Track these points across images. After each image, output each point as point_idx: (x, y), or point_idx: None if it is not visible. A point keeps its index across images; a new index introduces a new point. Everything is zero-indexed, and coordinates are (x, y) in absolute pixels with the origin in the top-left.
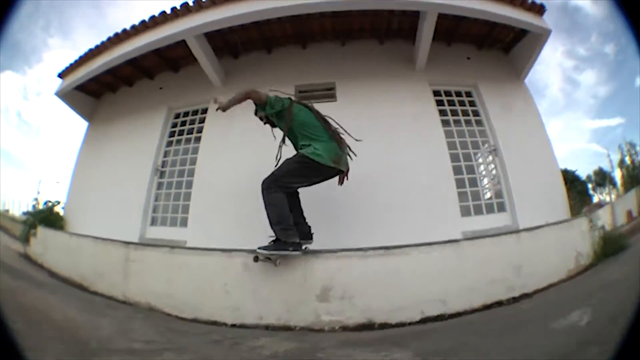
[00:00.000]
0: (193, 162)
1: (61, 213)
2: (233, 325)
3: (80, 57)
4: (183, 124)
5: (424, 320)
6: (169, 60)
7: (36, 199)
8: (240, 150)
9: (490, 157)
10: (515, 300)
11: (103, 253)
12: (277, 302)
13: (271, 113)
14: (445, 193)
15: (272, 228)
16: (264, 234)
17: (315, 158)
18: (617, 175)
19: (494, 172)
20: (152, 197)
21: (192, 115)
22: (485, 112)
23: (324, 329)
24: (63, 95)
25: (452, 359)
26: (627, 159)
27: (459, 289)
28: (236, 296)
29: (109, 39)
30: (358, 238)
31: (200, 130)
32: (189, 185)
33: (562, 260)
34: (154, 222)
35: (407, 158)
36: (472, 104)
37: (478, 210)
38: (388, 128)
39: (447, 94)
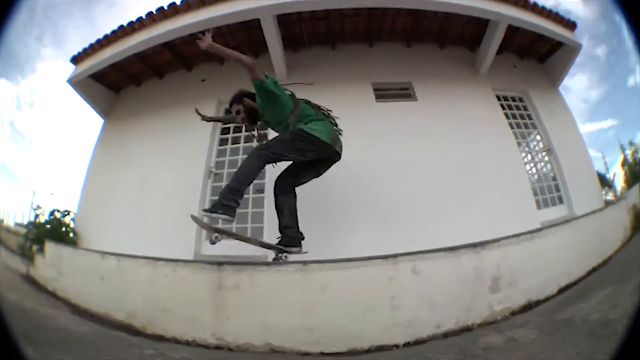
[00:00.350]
0: None
1: (71, 225)
2: (407, 344)
3: (105, 36)
4: None
5: (561, 291)
6: None
7: (39, 207)
8: None
9: (546, 156)
10: (603, 264)
11: (169, 279)
12: (454, 304)
13: (269, 100)
14: (522, 189)
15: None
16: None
17: (313, 132)
18: (620, 174)
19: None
20: (207, 205)
21: None
22: (538, 116)
23: (497, 319)
24: (76, 84)
25: None
26: (629, 157)
27: (575, 261)
28: (408, 309)
29: (149, 14)
30: (453, 229)
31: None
32: (259, 189)
33: (617, 232)
34: None
35: (491, 157)
36: (524, 108)
37: (545, 204)
38: (469, 129)
39: (505, 98)
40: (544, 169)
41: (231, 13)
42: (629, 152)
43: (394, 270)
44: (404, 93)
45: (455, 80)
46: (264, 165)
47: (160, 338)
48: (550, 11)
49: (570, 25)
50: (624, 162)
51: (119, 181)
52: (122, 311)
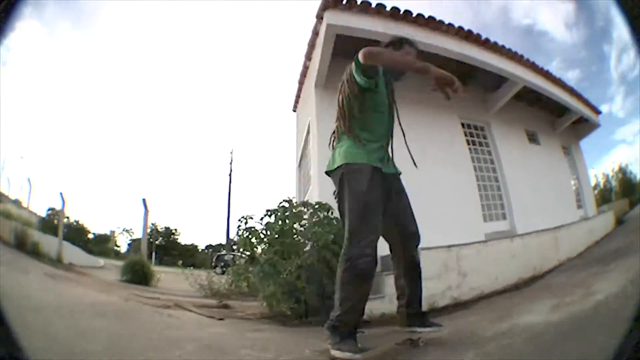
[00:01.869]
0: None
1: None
2: None
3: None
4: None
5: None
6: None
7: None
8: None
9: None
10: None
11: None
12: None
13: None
14: (572, 199)
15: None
16: None
17: None
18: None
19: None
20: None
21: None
22: (574, 160)
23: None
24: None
25: None
26: (601, 183)
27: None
28: None
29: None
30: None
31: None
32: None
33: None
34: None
35: (571, 184)
36: (570, 155)
37: (578, 207)
38: (565, 166)
39: (563, 148)
40: (574, 188)
41: None
42: (600, 177)
43: None
44: (534, 138)
45: (549, 134)
46: None
47: None
48: (593, 106)
49: (597, 112)
50: (596, 186)
51: None
52: None
